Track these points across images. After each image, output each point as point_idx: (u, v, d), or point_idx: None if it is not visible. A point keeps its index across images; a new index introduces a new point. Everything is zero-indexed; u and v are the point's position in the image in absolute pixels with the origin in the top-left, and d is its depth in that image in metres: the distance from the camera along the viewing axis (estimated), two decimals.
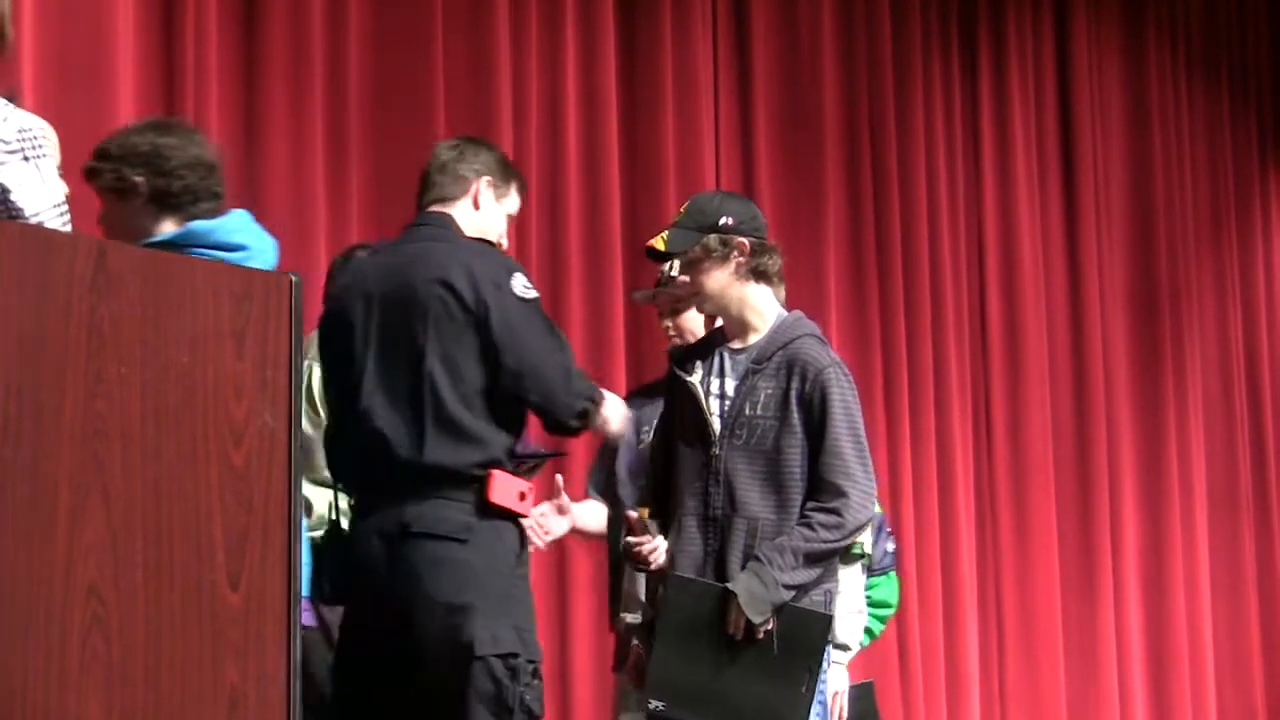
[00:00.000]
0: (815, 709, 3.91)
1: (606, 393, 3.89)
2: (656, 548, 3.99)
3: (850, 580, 4.44)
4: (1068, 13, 8.21)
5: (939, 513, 7.27)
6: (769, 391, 3.96)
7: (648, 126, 6.47)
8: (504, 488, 3.67)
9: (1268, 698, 8.65)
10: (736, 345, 4.06)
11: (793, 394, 3.94)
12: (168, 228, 3.31)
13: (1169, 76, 8.62)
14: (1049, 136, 8.09)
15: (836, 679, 4.47)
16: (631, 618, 4.48)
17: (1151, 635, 8.17)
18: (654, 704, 3.87)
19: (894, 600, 5.00)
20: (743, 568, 3.87)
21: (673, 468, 4.00)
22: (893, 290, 7.26)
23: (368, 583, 3.68)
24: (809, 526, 3.88)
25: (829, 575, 3.97)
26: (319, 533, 3.91)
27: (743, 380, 4.00)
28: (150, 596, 2.39)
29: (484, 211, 3.90)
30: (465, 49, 5.91)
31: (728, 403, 3.99)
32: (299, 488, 2.58)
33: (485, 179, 3.90)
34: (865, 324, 7.13)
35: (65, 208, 2.76)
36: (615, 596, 4.58)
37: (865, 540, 4.49)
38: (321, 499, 3.98)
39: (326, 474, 3.90)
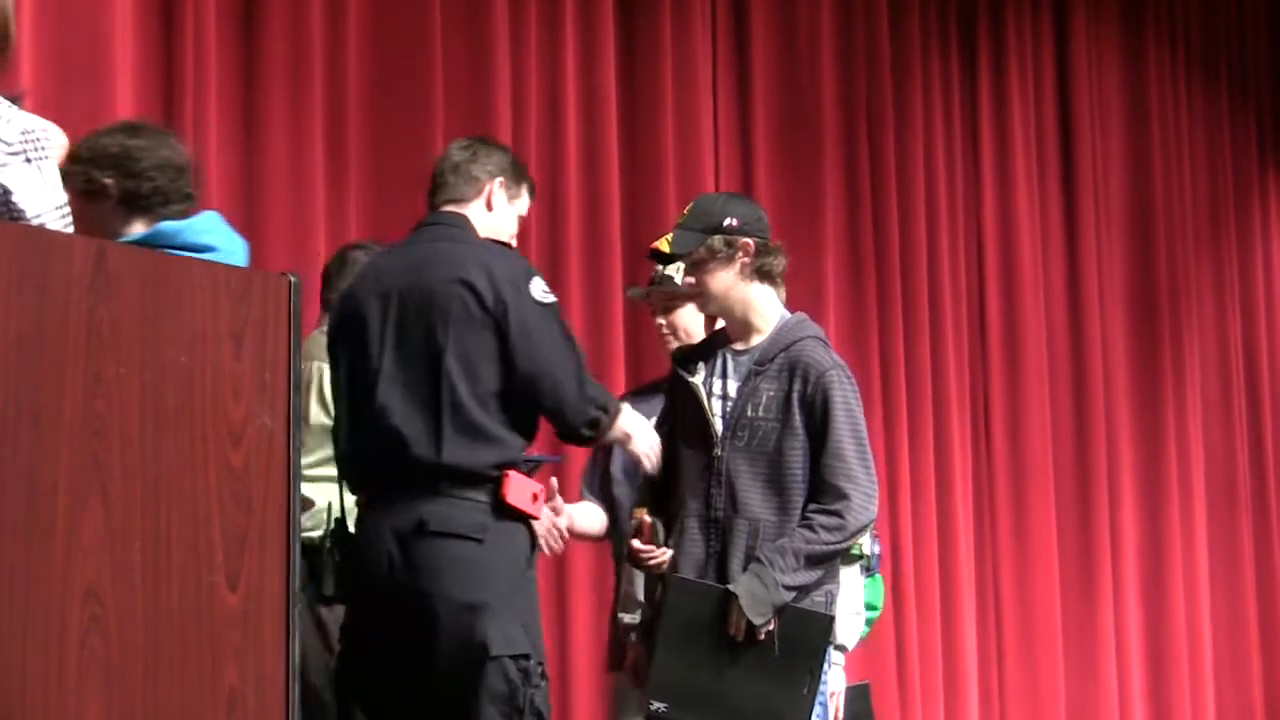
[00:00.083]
0: (816, 710, 3.91)
1: (625, 406, 3.89)
2: (664, 561, 3.99)
3: (849, 581, 4.44)
4: (1067, 12, 8.21)
5: (937, 513, 7.26)
6: (771, 393, 3.96)
7: (647, 126, 6.47)
8: (519, 489, 3.67)
9: (1266, 697, 8.66)
10: (739, 346, 4.07)
11: (795, 396, 3.94)
12: (138, 229, 3.31)
13: (1168, 76, 8.62)
14: (1048, 136, 8.09)
15: (835, 680, 4.47)
16: (630, 618, 4.48)
17: (1150, 634, 8.17)
18: (655, 705, 3.87)
19: (880, 603, 4.99)
20: (744, 569, 3.87)
21: (674, 469, 4.00)
22: (891, 289, 7.25)
23: (377, 581, 3.66)
24: (810, 528, 3.88)
25: (830, 577, 3.97)
26: (317, 533, 3.90)
27: (745, 381, 4.00)
28: (149, 597, 2.39)
29: (497, 212, 3.90)
30: (464, 49, 5.91)
31: (730, 404, 4.00)
32: (298, 489, 2.58)
33: (498, 180, 3.90)
34: (863, 323, 7.13)
35: (67, 209, 2.76)
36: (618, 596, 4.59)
37: (865, 542, 4.49)
38: (322, 497, 3.98)
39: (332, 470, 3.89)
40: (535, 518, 3.73)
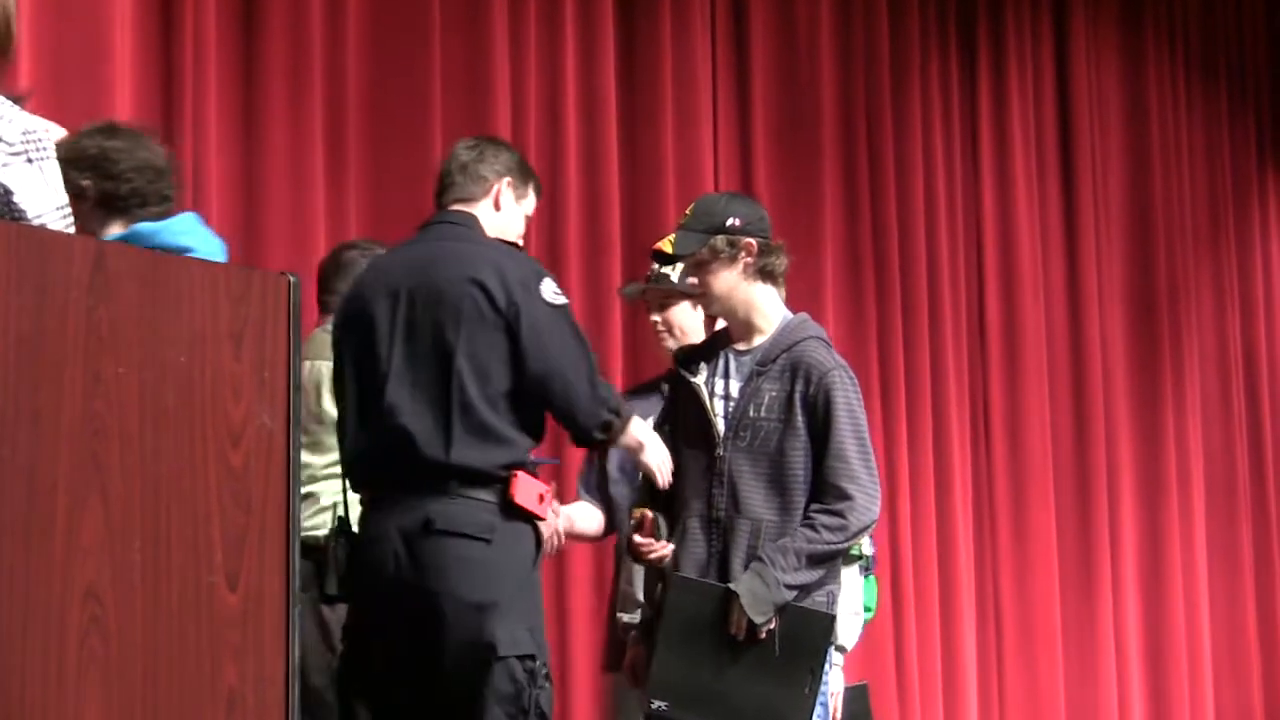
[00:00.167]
0: (817, 710, 3.91)
1: (632, 413, 3.89)
2: (664, 555, 3.99)
3: (849, 582, 4.44)
4: (1066, 12, 8.21)
5: (936, 512, 7.26)
6: (773, 394, 3.96)
7: (647, 126, 6.47)
8: (526, 489, 3.67)
9: (1265, 696, 8.66)
10: (741, 347, 4.07)
11: (797, 396, 3.94)
12: (115, 230, 3.30)
13: (1167, 76, 8.62)
14: (1047, 136, 8.09)
15: (834, 680, 4.47)
16: (629, 617, 4.48)
17: (1150, 634, 8.17)
18: (655, 704, 3.87)
19: (873, 604, 4.99)
20: (746, 569, 3.87)
21: (676, 469, 3.99)
22: (890, 289, 7.25)
23: (382, 580, 3.66)
24: (812, 528, 3.88)
25: (832, 577, 3.97)
26: (322, 531, 3.89)
27: (747, 382, 4.00)
28: (148, 597, 2.38)
29: (504, 212, 3.89)
30: (464, 48, 5.91)
31: (732, 404, 4.00)
32: (298, 488, 2.58)
33: (506, 180, 3.90)
34: (862, 323, 7.13)
35: (68, 210, 2.76)
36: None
37: (865, 542, 4.49)
38: (329, 494, 3.97)
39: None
40: (542, 519, 3.72)
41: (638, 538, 4.04)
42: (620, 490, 4.51)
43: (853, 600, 4.53)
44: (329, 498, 3.98)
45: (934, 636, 7.18)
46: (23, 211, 2.68)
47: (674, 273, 4.47)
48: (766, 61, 6.94)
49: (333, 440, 3.98)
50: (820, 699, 3.91)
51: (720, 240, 4.02)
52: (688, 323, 4.52)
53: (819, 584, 3.92)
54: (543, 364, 3.68)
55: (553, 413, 3.75)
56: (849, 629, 4.54)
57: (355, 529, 3.75)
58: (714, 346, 4.12)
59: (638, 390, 4.72)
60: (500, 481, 3.65)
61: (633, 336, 6.22)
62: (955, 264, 7.57)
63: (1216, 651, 8.45)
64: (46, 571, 2.30)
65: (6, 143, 2.68)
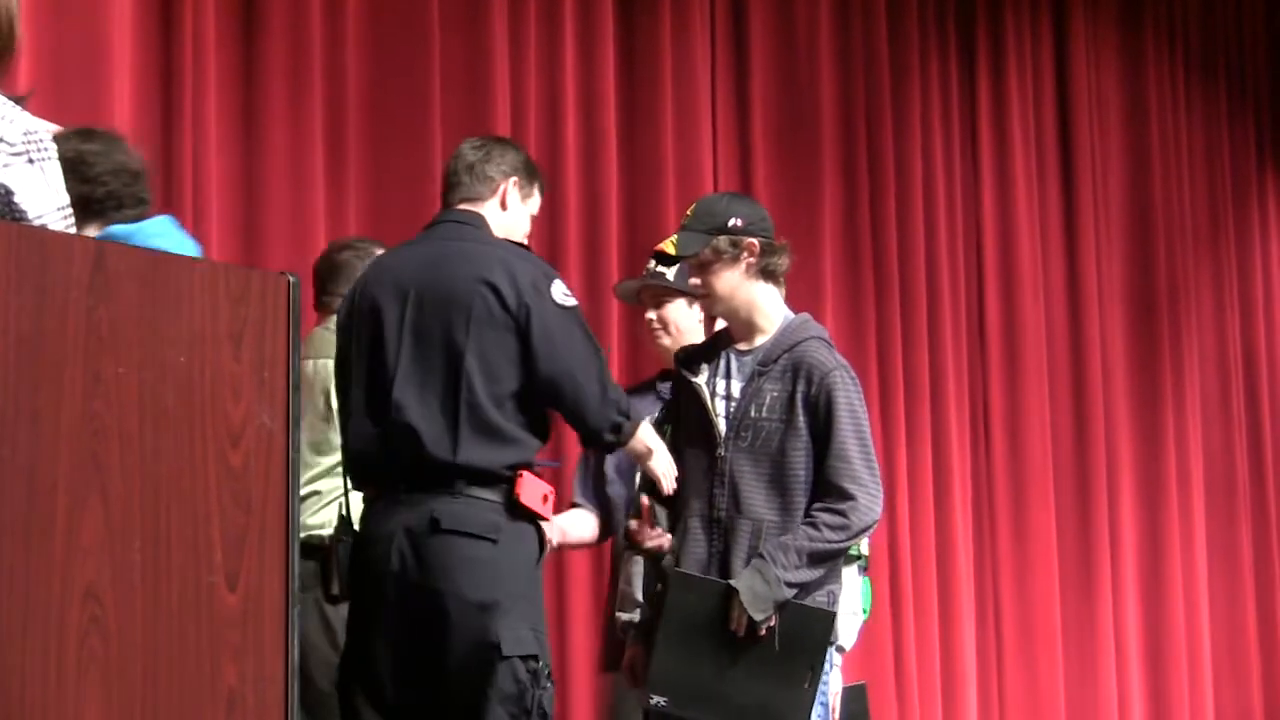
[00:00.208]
0: (817, 709, 3.91)
1: (642, 417, 3.89)
2: (662, 543, 4.00)
3: (848, 582, 4.44)
4: (1066, 13, 8.21)
5: (935, 512, 7.26)
6: (775, 394, 3.96)
7: (646, 126, 6.47)
8: (531, 490, 3.68)
9: (1265, 697, 8.66)
10: (743, 347, 4.07)
11: (798, 396, 3.95)
12: (90, 233, 3.29)
13: (1167, 76, 8.62)
14: (1047, 136, 8.09)
15: (834, 681, 4.46)
16: (627, 617, 4.48)
17: (1149, 634, 8.17)
18: (655, 700, 3.87)
19: (868, 605, 4.99)
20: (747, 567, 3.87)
21: (678, 469, 4.00)
22: (889, 289, 7.25)
23: (386, 578, 3.65)
24: (814, 526, 3.89)
25: (832, 576, 3.97)
26: (326, 531, 3.88)
27: (749, 382, 4.00)
28: (148, 598, 2.38)
29: (511, 212, 3.90)
30: (463, 48, 5.91)
31: (733, 404, 4.00)
32: (297, 488, 2.58)
33: (512, 179, 3.91)
34: (862, 323, 7.13)
35: (69, 211, 2.76)
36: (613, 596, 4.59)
37: (864, 542, 4.49)
38: (333, 492, 3.96)
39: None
40: (546, 519, 3.73)
41: (634, 524, 4.04)
42: (617, 490, 4.52)
43: (851, 600, 4.52)
44: (333, 495, 3.97)
45: (933, 636, 7.17)
46: (23, 212, 2.68)
47: (669, 271, 4.47)
48: (766, 62, 6.94)
49: (338, 439, 3.98)
50: (820, 698, 3.91)
51: (723, 240, 4.02)
52: (683, 320, 4.52)
53: (819, 583, 3.92)
54: (553, 365, 3.68)
55: (563, 414, 3.76)
56: (848, 629, 4.54)
57: (357, 527, 3.76)
58: (715, 346, 4.12)
59: (633, 390, 4.72)
60: (506, 481, 3.66)
61: (632, 337, 6.21)
62: (955, 264, 7.57)
63: (1216, 652, 8.45)
64: (46, 571, 2.30)
65: (8, 143, 2.68)
